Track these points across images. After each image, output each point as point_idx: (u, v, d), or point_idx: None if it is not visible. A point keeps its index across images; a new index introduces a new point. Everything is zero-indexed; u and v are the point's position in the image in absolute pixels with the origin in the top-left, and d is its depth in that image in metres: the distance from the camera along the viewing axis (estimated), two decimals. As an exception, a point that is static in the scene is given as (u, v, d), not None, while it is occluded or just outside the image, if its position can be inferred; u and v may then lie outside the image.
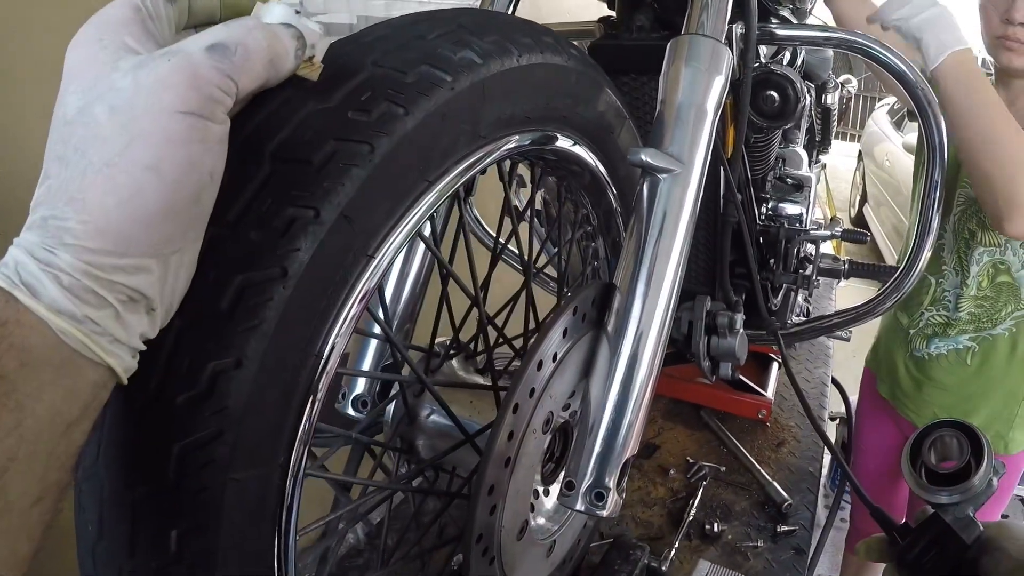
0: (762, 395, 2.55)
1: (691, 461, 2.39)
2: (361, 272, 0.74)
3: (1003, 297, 2.01)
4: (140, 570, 0.65)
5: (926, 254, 1.58)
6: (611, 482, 1.10)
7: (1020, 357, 2.08)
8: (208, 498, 0.65)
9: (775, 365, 2.73)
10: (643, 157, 1.07)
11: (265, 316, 0.63)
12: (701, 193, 1.12)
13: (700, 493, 2.26)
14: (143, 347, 0.55)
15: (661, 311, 1.12)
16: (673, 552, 2.05)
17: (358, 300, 0.75)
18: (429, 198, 0.82)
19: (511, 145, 0.98)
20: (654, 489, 2.31)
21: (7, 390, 0.45)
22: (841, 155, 5.96)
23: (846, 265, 1.97)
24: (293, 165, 0.64)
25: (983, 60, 2.28)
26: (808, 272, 1.93)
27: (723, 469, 2.37)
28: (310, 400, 0.74)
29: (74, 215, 0.49)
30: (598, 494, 1.10)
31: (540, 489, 1.28)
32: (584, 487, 1.11)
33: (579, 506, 1.10)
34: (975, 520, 1.12)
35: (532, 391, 1.07)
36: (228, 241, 0.61)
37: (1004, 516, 2.95)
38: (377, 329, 1.29)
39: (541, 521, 1.28)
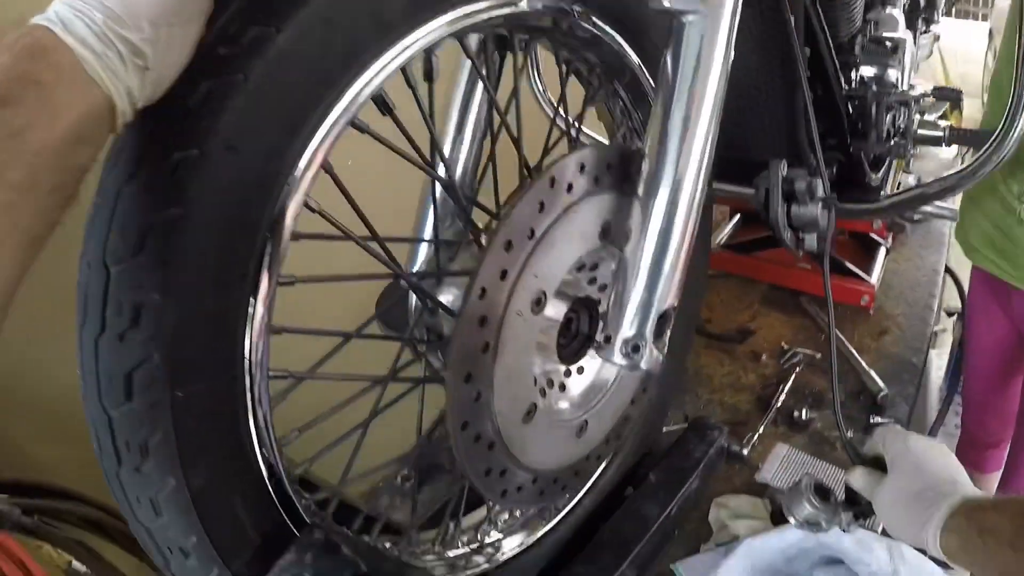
0: (865, 280, 2.43)
1: (785, 347, 2.31)
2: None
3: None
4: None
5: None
6: (648, 334, 1.07)
7: None
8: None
9: (882, 250, 2.60)
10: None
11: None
12: (734, 35, 1.05)
13: (792, 380, 2.19)
14: (137, 102, 0.71)
15: (695, 163, 1.07)
16: (756, 437, 2.00)
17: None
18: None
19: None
20: (744, 375, 2.26)
21: (46, 95, 0.63)
22: (969, 35, 5.51)
23: (946, 132, 1.83)
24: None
25: None
26: (905, 140, 1.81)
27: (818, 356, 2.28)
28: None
29: None
30: (634, 346, 1.07)
31: (561, 369, 1.26)
32: (620, 339, 1.08)
33: (616, 359, 1.09)
34: None
35: (504, 273, 1.03)
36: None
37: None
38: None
39: (561, 404, 1.26)
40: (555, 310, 1.19)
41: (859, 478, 1.37)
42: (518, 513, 1.49)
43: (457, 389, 1.03)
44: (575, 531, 1.59)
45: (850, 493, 1.41)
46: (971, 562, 1.18)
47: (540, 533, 1.52)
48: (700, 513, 1.81)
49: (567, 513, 1.56)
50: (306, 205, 0.91)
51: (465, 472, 1.12)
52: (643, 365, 1.08)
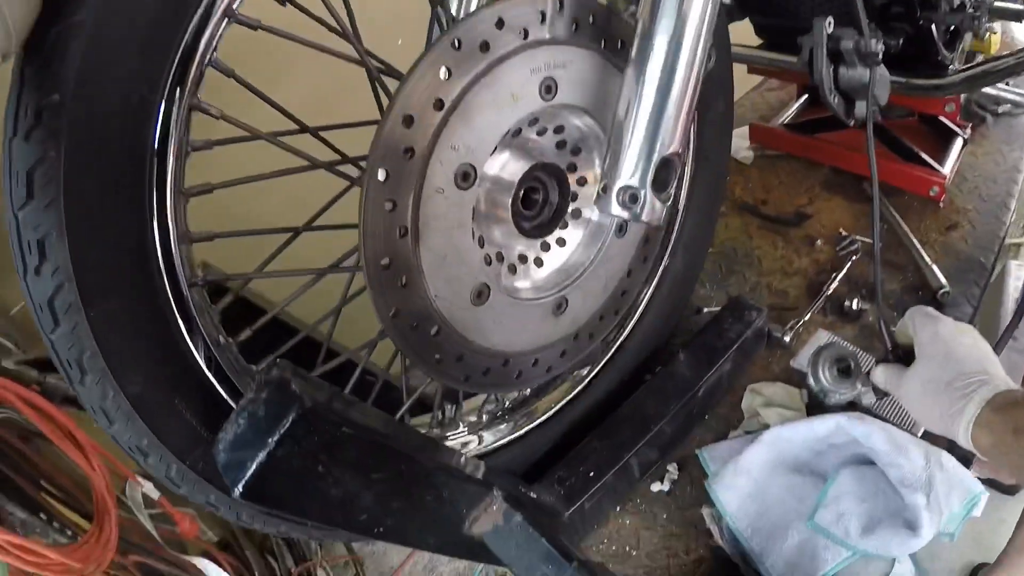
0: (936, 170, 2.26)
1: (843, 234, 2.18)
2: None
3: None
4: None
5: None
6: (647, 182, 0.99)
7: None
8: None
9: (958, 141, 2.42)
10: None
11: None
12: None
13: (847, 268, 2.07)
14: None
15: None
16: (801, 324, 1.90)
17: None
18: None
19: None
20: (797, 259, 2.14)
21: None
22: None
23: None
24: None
25: None
26: (980, 12, 1.65)
27: (879, 245, 2.14)
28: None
29: None
30: (632, 196, 0.99)
31: (524, 244, 1.19)
32: (617, 188, 1.00)
33: (613, 210, 1.02)
34: None
35: (408, 151, 0.96)
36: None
37: None
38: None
39: (522, 281, 1.19)
40: (499, 182, 1.12)
41: (880, 374, 1.33)
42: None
43: (376, 278, 0.99)
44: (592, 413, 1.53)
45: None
46: (1003, 460, 1.12)
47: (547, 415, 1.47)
48: (733, 399, 1.74)
49: (579, 393, 1.49)
50: (199, 109, 0.93)
51: (413, 361, 1.08)
52: (644, 216, 1.00)
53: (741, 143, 2.48)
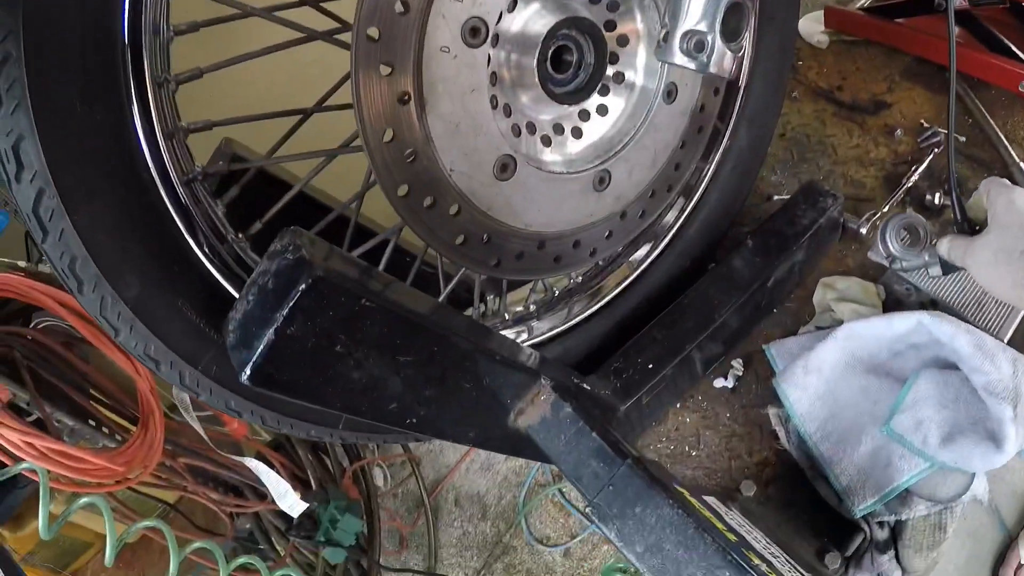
0: (1026, 64, 2.09)
1: (925, 125, 2.03)
2: None
3: None
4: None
5: None
6: (716, 26, 0.88)
7: None
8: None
9: (1055, 32, 2.23)
10: None
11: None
12: None
13: (928, 160, 1.93)
14: None
15: None
16: (878, 216, 1.78)
17: None
18: None
19: None
20: (874, 148, 2.02)
21: None
22: None
23: None
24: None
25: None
26: None
27: (963, 139, 2.00)
28: None
29: None
30: (698, 43, 0.88)
31: (556, 111, 1.08)
32: (680, 33, 0.89)
33: (675, 58, 0.91)
34: None
35: (403, 5, 0.86)
36: None
37: None
38: None
39: (553, 155, 1.08)
40: (522, 41, 1.01)
41: (947, 243, 1.27)
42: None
43: (379, 152, 0.91)
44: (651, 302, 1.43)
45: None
46: None
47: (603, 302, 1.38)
48: (804, 292, 1.64)
49: (635, 280, 1.39)
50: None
51: (430, 244, 1.00)
52: (712, 67, 0.88)
53: (815, 27, 2.32)
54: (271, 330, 0.81)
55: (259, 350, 0.82)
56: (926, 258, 1.32)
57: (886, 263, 1.43)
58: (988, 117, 2.03)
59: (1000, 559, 1.41)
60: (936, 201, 1.82)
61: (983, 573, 1.40)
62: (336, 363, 0.88)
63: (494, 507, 1.88)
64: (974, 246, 1.21)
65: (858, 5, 2.36)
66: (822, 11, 2.36)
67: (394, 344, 0.92)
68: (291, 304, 0.81)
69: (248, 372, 0.83)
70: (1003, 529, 1.40)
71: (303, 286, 0.81)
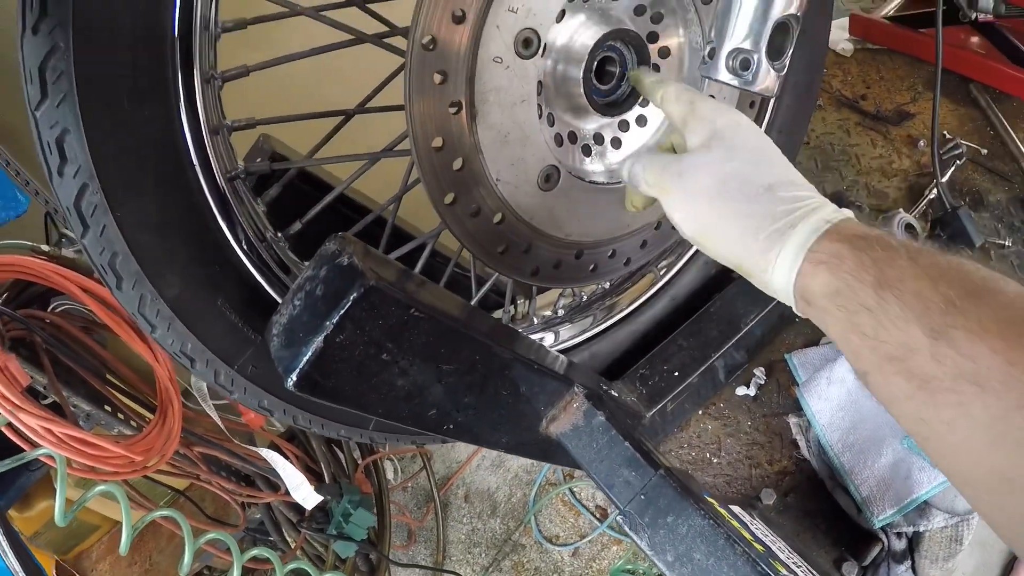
0: (1049, 77, 2.09)
1: (948, 136, 2.04)
2: None
3: None
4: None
5: None
6: (762, 45, 0.88)
7: None
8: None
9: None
10: None
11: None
12: None
13: (950, 172, 1.94)
14: None
15: None
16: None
17: None
18: None
19: None
20: (897, 159, 2.03)
21: None
22: None
23: None
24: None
25: None
26: None
27: (984, 152, 2.02)
28: None
29: None
30: (744, 61, 0.88)
31: (600, 122, 1.07)
32: (726, 51, 0.88)
33: (721, 76, 0.91)
34: None
35: (459, 15, 0.85)
36: None
37: None
38: None
39: (596, 165, 1.09)
40: (569, 52, 1.01)
41: (631, 162, 0.90)
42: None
43: (428, 160, 0.90)
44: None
45: None
46: (847, 322, 0.69)
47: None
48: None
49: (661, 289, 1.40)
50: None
51: (472, 252, 1.00)
52: (756, 85, 0.88)
53: (840, 34, 2.33)
54: (320, 337, 0.80)
55: (306, 356, 0.81)
56: None
57: None
58: (1010, 129, 2.05)
59: (1008, 567, 1.42)
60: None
61: (991, 581, 1.41)
62: (382, 371, 0.87)
63: (504, 504, 1.88)
64: (687, 163, 0.84)
65: (883, 13, 2.35)
66: (847, 18, 2.36)
67: (439, 353, 0.91)
68: (342, 312, 0.80)
69: (294, 378, 0.82)
70: (1011, 538, 1.41)
71: (355, 295, 0.80)
